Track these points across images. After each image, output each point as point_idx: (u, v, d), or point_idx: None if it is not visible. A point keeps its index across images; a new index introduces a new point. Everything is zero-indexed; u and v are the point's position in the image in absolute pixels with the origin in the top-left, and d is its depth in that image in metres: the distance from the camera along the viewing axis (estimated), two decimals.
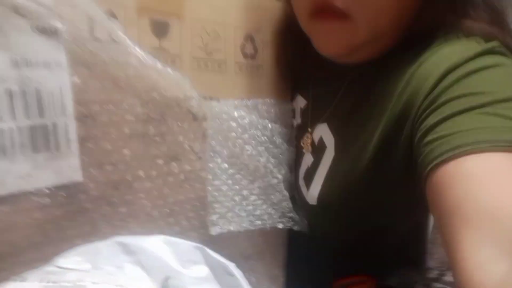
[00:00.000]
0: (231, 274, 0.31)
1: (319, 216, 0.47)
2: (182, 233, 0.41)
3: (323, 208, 0.46)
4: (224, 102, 0.42)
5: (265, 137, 0.45)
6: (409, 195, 0.40)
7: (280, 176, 0.47)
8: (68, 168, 0.31)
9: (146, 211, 0.37)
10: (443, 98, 0.33)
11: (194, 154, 0.40)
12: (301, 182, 0.49)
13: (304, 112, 0.50)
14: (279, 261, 0.52)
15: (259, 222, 0.46)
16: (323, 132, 0.47)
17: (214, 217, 0.42)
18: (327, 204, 0.46)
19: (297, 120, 0.51)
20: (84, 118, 0.32)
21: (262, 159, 0.45)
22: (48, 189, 0.30)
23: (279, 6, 0.48)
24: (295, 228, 0.50)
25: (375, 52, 0.42)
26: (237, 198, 0.44)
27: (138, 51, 0.35)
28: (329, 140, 0.46)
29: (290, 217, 0.50)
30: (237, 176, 0.44)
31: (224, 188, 0.43)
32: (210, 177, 0.41)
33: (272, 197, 0.47)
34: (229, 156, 0.43)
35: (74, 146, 0.32)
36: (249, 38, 0.45)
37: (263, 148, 0.45)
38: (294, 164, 0.49)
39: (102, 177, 0.34)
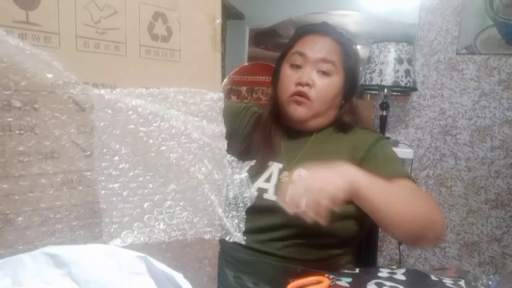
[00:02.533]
0: (177, 286, 0.28)
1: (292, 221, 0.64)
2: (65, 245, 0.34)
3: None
4: (120, 90, 0.35)
5: (176, 130, 0.38)
6: None
7: (200, 176, 0.40)
8: None
9: (4, 219, 0.31)
10: (378, 151, 0.76)
11: (78, 150, 0.34)
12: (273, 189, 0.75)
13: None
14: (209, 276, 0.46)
15: (177, 233, 0.39)
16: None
17: (111, 227, 0.35)
18: None
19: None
20: None
21: (174, 156, 0.38)
22: None
23: None
24: (227, 239, 0.44)
25: (321, 124, 0.82)
26: (146, 205, 0.37)
27: None
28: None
29: (220, 226, 0.43)
30: (143, 178, 0.37)
31: (125, 193, 0.36)
32: (102, 178, 0.35)
33: (194, 202, 0.40)
34: (129, 154, 0.36)
35: None
36: (160, 16, 0.38)
37: (174, 143, 0.38)
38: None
39: None
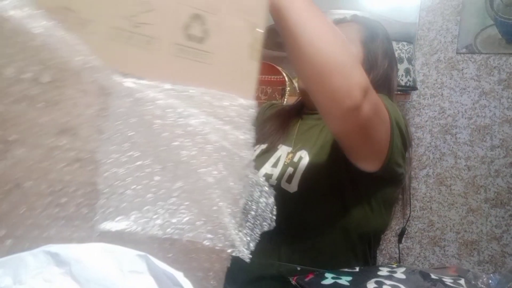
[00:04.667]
0: (178, 285, 0.28)
1: (299, 203, 0.72)
2: (67, 220, 0.36)
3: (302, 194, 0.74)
4: (144, 82, 0.37)
5: (192, 128, 0.37)
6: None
7: (210, 180, 0.39)
8: None
9: (14, 183, 0.33)
10: None
11: (94, 132, 0.36)
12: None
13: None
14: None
15: (173, 231, 0.38)
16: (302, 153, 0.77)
17: (107, 210, 0.36)
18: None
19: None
20: None
21: (185, 153, 0.38)
22: None
23: None
24: (230, 251, 0.41)
25: None
26: (148, 196, 0.37)
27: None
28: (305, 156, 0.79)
29: (224, 236, 0.41)
30: (150, 169, 0.37)
31: (129, 180, 0.37)
32: (108, 161, 0.36)
33: (200, 205, 0.39)
34: (141, 144, 0.37)
35: None
36: (198, 18, 0.39)
37: (188, 140, 0.38)
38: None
39: None
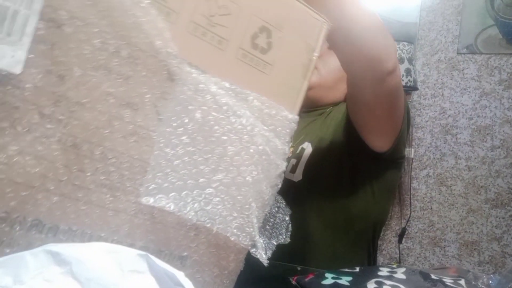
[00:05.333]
0: (179, 284, 0.28)
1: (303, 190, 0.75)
2: (109, 189, 0.37)
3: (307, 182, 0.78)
4: (209, 76, 0.39)
5: (242, 127, 0.40)
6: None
7: (249, 178, 0.41)
8: (11, 57, 0.32)
9: (72, 142, 0.35)
10: None
11: (154, 112, 0.38)
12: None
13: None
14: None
15: (205, 219, 0.40)
16: (305, 145, 0.82)
17: (151, 185, 0.38)
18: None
19: None
20: (49, 21, 0.33)
21: (231, 149, 0.40)
22: None
23: (313, 14, 0.45)
24: (253, 251, 0.43)
25: (335, 99, 0.90)
26: (189, 182, 0.39)
27: None
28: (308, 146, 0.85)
29: (250, 236, 0.42)
30: (197, 157, 0.39)
31: (176, 162, 0.38)
32: (162, 140, 0.38)
33: (234, 200, 0.41)
34: (194, 131, 0.39)
35: (27, 40, 0.32)
36: (266, 31, 0.43)
37: (236, 137, 0.40)
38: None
39: (41, 83, 0.33)
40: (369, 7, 0.60)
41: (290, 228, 0.52)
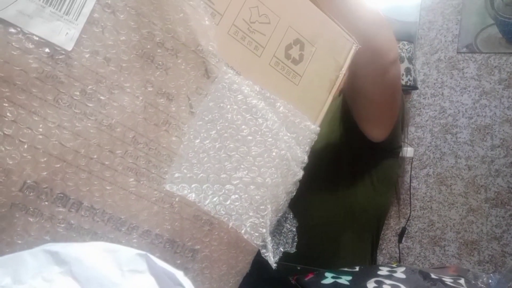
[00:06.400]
0: (178, 284, 0.28)
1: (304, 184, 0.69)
2: (135, 173, 0.38)
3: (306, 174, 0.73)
4: (242, 78, 0.41)
5: (267, 130, 0.41)
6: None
7: (268, 180, 0.42)
8: (65, 34, 0.33)
9: (108, 123, 0.36)
10: None
11: (187, 104, 0.39)
12: None
13: None
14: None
15: (222, 213, 0.41)
16: None
17: (176, 174, 0.39)
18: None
19: None
20: (105, 6, 0.35)
21: (255, 149, 0.41)
22: (38, 37, 0.32)
23: (343, 34, 0.48)
24: (263, 252, 0.43)
25: None
26: (210, 176, 0.40)
27: None
28: None
29: (262, 237, 0.43)
30: (222, 153, 0.41)
31: (202, 155, 0.40)
32: (192, 131, 0.39)
33: (252, 200, 0.42)
34: (223, 128, 0.40)
35: (82, 21, 0.34)
36: (299, 43, 0.45)
37: (261, 139, 0.41)
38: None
39: (88, 63, 0.35)
40: (371, 4, 0.64)
41: (296, 239, 0.52)
